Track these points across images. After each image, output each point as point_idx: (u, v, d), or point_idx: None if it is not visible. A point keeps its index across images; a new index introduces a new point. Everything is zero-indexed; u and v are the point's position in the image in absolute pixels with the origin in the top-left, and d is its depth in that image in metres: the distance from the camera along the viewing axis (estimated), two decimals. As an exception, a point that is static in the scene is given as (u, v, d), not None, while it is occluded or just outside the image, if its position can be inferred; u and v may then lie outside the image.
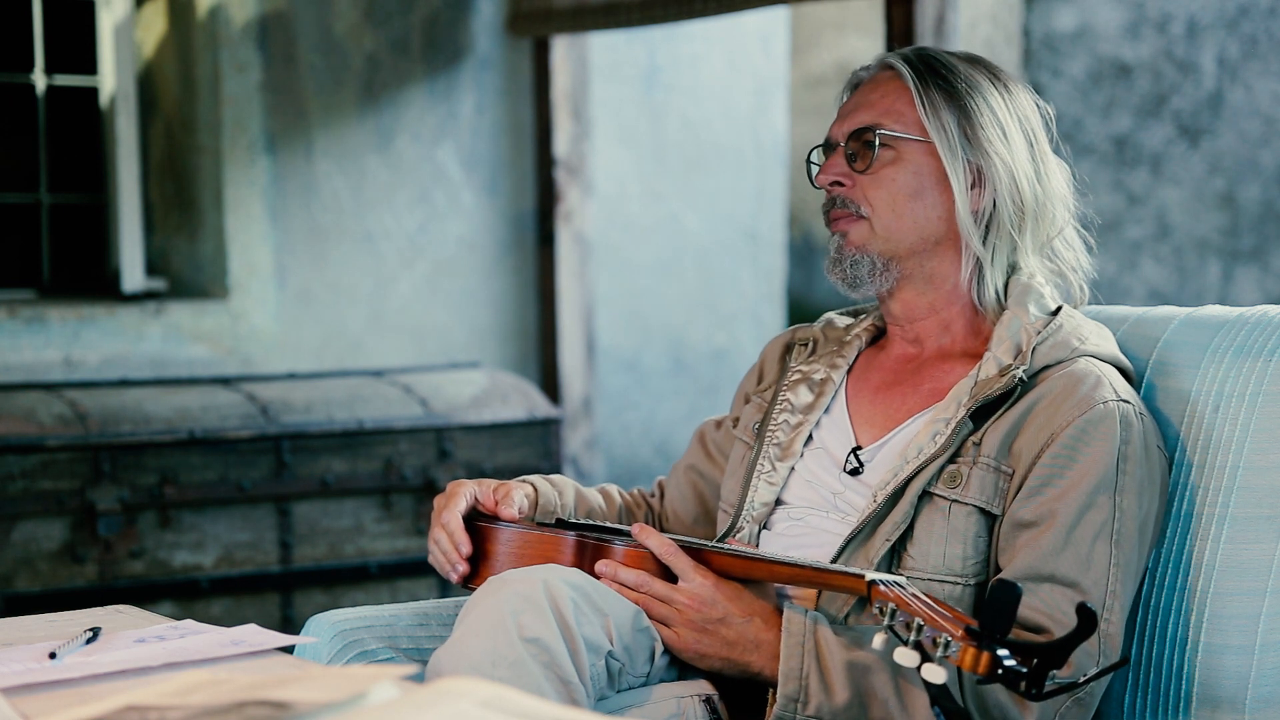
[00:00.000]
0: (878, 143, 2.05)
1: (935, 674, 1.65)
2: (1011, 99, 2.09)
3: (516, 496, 2.13)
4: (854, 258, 2.06)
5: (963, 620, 1.66)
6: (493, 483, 2.14)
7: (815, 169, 2.13)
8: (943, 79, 2.06)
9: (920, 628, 1.68)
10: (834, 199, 2.09)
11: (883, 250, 2.06)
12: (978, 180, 2.05)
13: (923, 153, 2.05)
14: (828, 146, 2.12)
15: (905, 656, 1.67)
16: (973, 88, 2.06)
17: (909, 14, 3.55)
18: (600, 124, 4.68)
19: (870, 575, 1.78)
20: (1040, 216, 2.08)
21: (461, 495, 2.11)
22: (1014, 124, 2.07)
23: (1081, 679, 1.74)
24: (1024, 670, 1.62)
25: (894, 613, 1.71)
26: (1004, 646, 1.63)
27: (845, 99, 2.15)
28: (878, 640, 1.73)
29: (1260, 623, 1.93)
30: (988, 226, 2.06)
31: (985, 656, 1.62)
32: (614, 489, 2.33)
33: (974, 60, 2.11)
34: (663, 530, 2.29)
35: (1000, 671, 1.62)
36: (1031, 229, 2.08)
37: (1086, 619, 1.61)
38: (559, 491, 2.22)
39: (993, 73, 2.10)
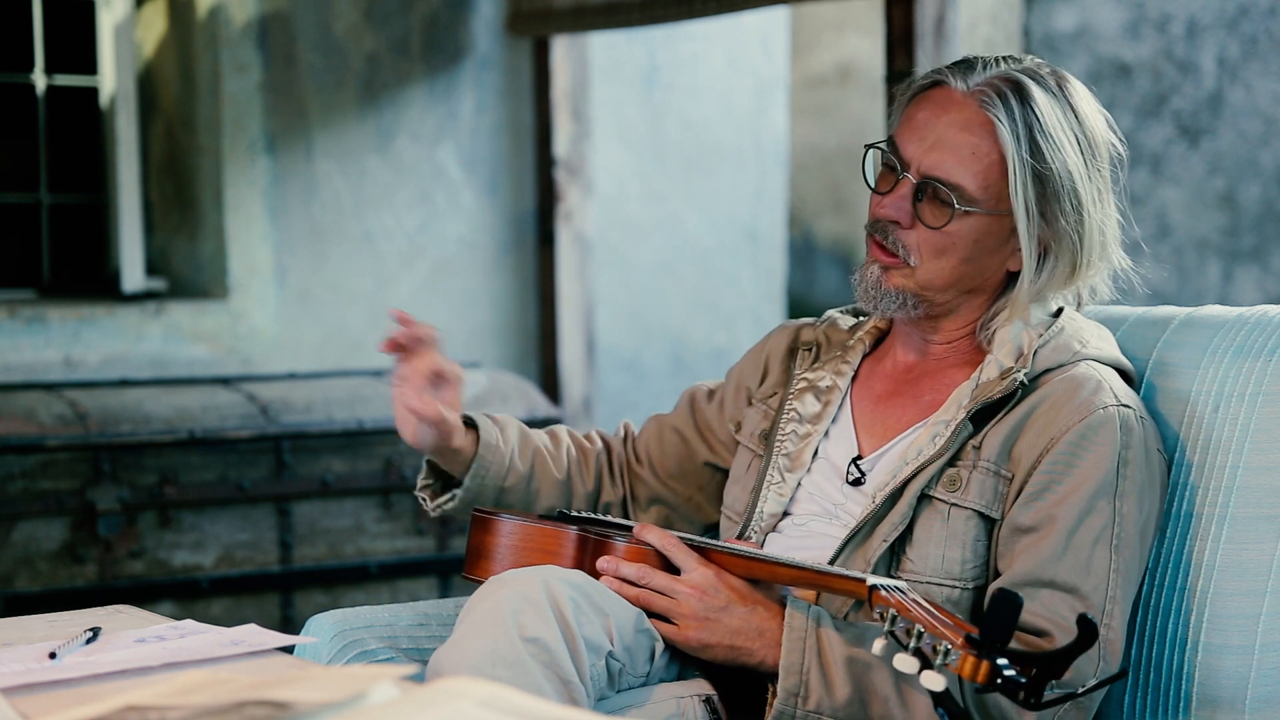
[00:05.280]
0: (956, 209, 1.96)
1: (934, 681, 1.64)
2: (1095, 156, 1.99)
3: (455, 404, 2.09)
4: (889, 294, 2.01)
5: (963, 628, 1.66)
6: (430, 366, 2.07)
7: (872, 171, 2.05)
8: (1038, 148, 1.95)
9: (921, 634, 1.67)
10: (884, 228, 2.01)
11: (917, 292, 2.01)
12: (1044, 252, 2.00)
13: (994, 221, 1.98)
14: (892, 154, 2.01)
15: (905, 663, 1.66)
16: (1064, 153, 1.95)
17: (909, 14, 3.55)
18: (600, 124, 4.67)
19: (871, 580, 1.78)
20: (1088, 271, 2.04)
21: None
22: (1091, 190, 1.99)
23: (1081, 689, 1.73)
24: (1023, 680, 1.61)
25: (894, 618, 1.70)
26: (1003, 656, 1.62)
27: (914, 103, 2.02)
28: (878, 645, 1.72)
29: (1260, 623, 1.93)
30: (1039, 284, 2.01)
31: (985, 665, 1.62)
32: (563, 430, 2.31)
33: (1057, 96, 1.97)
34: (625, 475, 2.29)
35: (999, 681, 1.61)
36: (1078, 281, 2.04)
37: (1087, 630, 1.60)
38: (500, 428, 2.21)
39: (1077, 116, 1.98)
